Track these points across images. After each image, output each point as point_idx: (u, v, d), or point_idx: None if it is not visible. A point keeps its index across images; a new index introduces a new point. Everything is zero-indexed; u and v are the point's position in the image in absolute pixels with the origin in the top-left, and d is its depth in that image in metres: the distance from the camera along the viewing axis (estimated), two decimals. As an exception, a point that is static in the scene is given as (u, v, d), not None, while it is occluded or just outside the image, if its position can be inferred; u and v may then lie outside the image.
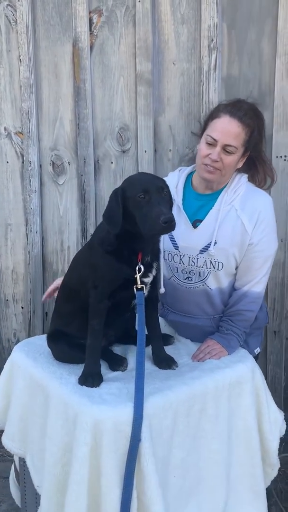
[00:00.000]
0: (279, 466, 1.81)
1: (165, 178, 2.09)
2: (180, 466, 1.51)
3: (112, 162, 2.60)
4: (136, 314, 1.55)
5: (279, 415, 1.80)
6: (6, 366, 1.84)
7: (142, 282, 1.51)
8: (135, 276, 1.50)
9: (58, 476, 1.48)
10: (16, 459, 1.98)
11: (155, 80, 2.47)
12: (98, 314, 1.55)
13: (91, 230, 2.67)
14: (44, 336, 1.96)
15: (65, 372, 1.62)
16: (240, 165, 1.84)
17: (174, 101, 2.47)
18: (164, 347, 1.79)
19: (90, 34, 2.52)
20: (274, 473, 1.80)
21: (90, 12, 2.49)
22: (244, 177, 1.86)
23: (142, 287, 1.50)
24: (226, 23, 2.35)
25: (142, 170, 2.53)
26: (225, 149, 1.75)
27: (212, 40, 2.35)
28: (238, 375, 1.66)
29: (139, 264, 1.51)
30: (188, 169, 2.00)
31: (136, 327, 1.50)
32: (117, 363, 1.66)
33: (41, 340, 1.92)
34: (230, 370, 1.66)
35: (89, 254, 1.60)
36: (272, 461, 1.76)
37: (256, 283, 1.79)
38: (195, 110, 2.44)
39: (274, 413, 1.78)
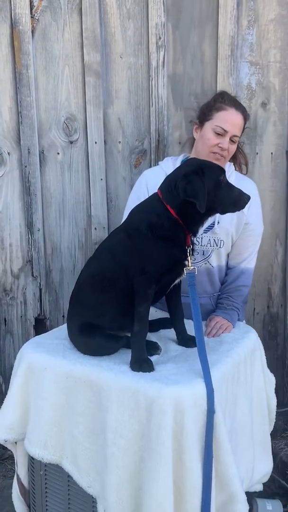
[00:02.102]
0: (274, 421, 2.06)
1: (157, 167, 2.16)
2: (229, 432, 1.62)
3: (58, 153, 2.52)
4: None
5: (271, 376, 2.04)
6: (20, 372, 1.68)
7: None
8: (186, 258, 1.56)
9: (128, 467, 1.45)
10: (22, 474, 1.83)
11: (103, 72, 2.48)
12: (146, 300, 1.56)
13: (38, 224, 2.55)
14: (48, 334, 1.87)
15: (111, 363, 1.58)
16: None
17: (122, 94, 2.51)
18: (169, 330, 1.87)
19: (31, 17, 2.39)
20: (271, 427, 2.04)
21: (30, -6, 2.37)
22: (232, 165, 2.06)
23: (194, 269, 1.57)
24: (171, 23, 2.48)
25: (93, 161, 2.53)
26: (232, 139, 1.95)
27: (160, 37, 2.46)
28: (253, 343, 1.85)
29: (190, 246, 1.57)
30: (180, 158, 2.10)
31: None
32: (153, 348, 1.68)
33: (47, 338, 1.81)
34: (248, 339, 1.83)
35: (131, 241, 1.58)
36: (272, 417, 2.00)
37: (251, 260, 2.02)
38: (143, 104, 2.52)
39: (269, 374, 2.01)
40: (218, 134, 1.94)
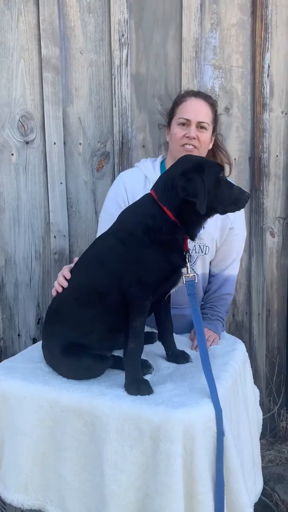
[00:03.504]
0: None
1: (135, 169, 2.01)
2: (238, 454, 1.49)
3: (13, 154, 2.29)
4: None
5: (255, 387, 1.95)
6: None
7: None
8: (185, 264, 1.41)
9: (131, 506, 1.27)
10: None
11: (62, 68, 2.29)
12: (142, 313, 1.39)
13: (-9, 233, 2.28)
14: (19, 357, 1.64)
15: (102, 387, 1.38)
16: (210, 145, 1.95)
17: (82, 92, 2.34)
18: (154, 344, 1.73)
19: (-20, 3, 2.16)
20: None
21: (-21, -22, 2.13)
22: None
23: (194, 276, 1.42)
24: (133, 21, 2.36)
25: (51, 163, 2.32)
26: (200, 125, 1.86)
27: (123, 35, 2.33)
28: (243, 354, 1.74)
29: (189, 251, 1.43)
30: (158, 159, 1.97)
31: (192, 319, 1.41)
32: (144, 367, 1.50)
33: (19, 362, 1.57)
34: (238, 351, 1.72)
35: (125, 248, 1.40)
36: (259, 430, 1.90)
37: (234, 267, 1.92)
38: (106, 104, 2.37)
39: (254, 386, 1.91)
40: (182, 125, 1.86)
